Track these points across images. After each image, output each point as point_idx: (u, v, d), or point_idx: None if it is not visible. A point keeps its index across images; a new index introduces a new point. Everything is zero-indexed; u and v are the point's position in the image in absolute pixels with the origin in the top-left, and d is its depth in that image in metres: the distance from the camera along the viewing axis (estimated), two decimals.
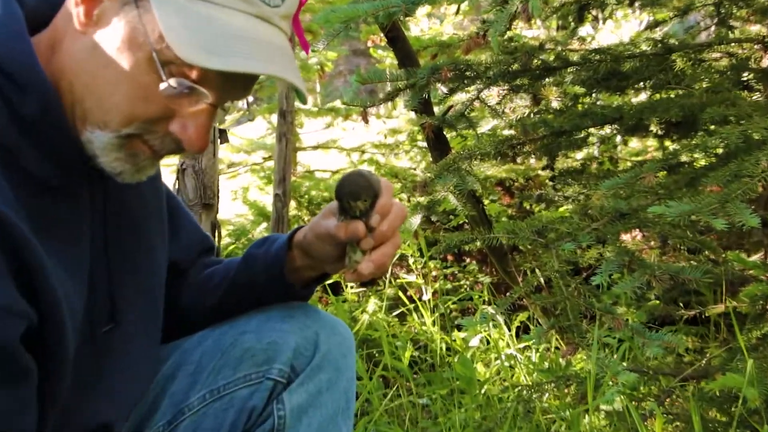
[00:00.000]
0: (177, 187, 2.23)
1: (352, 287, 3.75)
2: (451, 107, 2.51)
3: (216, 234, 2.30)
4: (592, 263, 3.06)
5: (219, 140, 2.16)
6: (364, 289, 3.78)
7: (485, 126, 2.95)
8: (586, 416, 2.00)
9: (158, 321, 1.17)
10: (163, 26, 0.88)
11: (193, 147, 0.96)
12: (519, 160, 4.39)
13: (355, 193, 1.05)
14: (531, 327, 3.08)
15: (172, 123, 0.94)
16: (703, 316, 2.73)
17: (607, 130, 2.41)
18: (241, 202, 5.07)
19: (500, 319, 2.83)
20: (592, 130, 2.36)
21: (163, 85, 0.90)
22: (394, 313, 3.48)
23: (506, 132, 3.15)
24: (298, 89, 0.98)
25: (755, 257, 2.77)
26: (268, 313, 1.21)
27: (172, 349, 1.23)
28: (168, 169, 4.50)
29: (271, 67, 0.92)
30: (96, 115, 0.93)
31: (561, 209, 3.79)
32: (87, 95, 0.93)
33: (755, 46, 2.29)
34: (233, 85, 0.95)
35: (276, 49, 0.94)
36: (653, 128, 2.25)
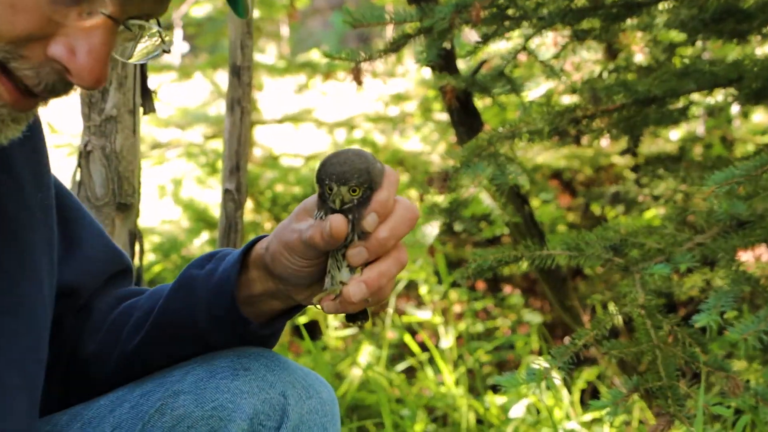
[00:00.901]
0: (79, 178, 2.22)
1: (336, 326, 3.75)
2: (484, 62, 2.52)
3: (136, 248, 2.29)
4: (694, 295, 3.06)
5: (142, 109, 2.16)
6: (352, 328, 3.77)
7: (535, 90, 2.95)
8: None
9: (40, 373, 1.15)
10: None
11: (84, 79, 0.96)
12: (585, 141, 4.40)
13: (343, 175, 1.05)
14: (602, 389, 3.07)
15: (54, 44, 0.94)
16: None
17: (719, 96, 2.41)
18: (171, 200, 5.07)
19: (556, 377, 2.83)
20: (695, 96, 2.36)
21: None
22: (399, 367, 3.48)
23: (566, 99, 3.15)
24: None
25: None
26: (211, 364, 1.20)
27: (70, 419, 1.22)
28: (64, 153, 4.50)
29: None
30: None
31: (648, 214, 3.80)
32: None
33: None
34: None
35: None
36: None
